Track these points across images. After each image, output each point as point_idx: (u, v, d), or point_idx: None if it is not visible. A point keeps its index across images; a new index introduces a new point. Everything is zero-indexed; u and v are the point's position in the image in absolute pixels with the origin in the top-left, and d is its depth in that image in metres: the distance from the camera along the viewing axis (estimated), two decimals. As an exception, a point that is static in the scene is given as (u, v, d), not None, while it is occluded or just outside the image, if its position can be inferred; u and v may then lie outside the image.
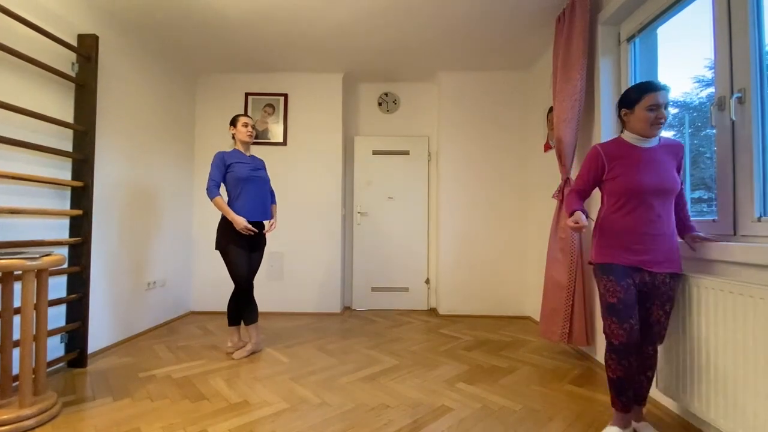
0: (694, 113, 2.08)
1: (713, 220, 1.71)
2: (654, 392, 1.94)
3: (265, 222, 2.80)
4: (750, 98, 1.53)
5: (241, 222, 2.47)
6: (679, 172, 1.59)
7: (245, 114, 2.90)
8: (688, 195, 2.09)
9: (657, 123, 1.53)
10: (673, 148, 1.60)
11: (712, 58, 1.71)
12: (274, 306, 3.86)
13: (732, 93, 1.60)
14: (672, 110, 2.21)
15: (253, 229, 2.52)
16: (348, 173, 4.18)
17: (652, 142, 1.58)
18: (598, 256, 1.64)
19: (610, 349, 1.58)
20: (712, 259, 1.58)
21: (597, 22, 2.43)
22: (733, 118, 1.59)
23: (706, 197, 1.98)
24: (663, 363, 1.74)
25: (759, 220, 1.52)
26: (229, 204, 2.57)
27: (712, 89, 1.79)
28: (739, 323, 1.38)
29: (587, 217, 1.68)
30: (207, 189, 2.51)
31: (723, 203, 1.66)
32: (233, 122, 2.66)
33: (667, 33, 2.18)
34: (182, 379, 2.25)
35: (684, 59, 2.10)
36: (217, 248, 2.58)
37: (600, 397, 2.02)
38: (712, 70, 1.74)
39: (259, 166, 2.70)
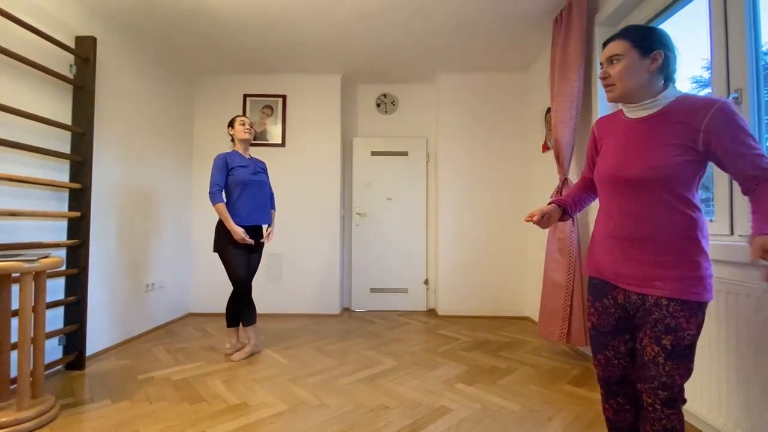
0: (691, 113, 2.08)
1: (710, 220, 1.72)
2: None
3: (264, 227, 2.79)
4: (747, 98, 1.54)
5: (239, 233, 2.46)
6: (706, 148, 1.05)
7: (241, 115, 2.92)
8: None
9: (604, 85, 1.18)
10: (689, 113, 1.07)
11: (709, 58, 1.71)
12: (272, 307, 3.85)
13: (729, 93, 1.61)
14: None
15: (250, 240, 2.51)
16: (347, 174, 4.18)
17: (652, 108, 1.13)
18: (585, 265, 1.35)
19: (598, 379, 1.31)
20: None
21: (594, 23, 2.44)
22: (730, 119, 1.60)
23: (704, 197, 1.99)
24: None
25: (756, 219, 1.52)
26: (227, 206, 2.57)
27: (709, 90, 1.80)
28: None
29: (566, 213, 1.36)
30: (210, 194, 2.48)
31: (720, 203, 1.66)
32: (231, 124, 2.67)
33: (664, 34, 2.19)
34: (181, 381, 2.24)
35: (681, 59, 2.10)
36: (215, 250, 2.57)
37: (599, 397, 2.02)
38: (709, 71, 1.75)
39: (259, 169, 2.69)
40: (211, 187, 2.49)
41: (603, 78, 1.17)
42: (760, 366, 1.35)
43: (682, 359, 1.07)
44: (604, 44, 1.19)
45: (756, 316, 1.37)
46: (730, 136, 1.03)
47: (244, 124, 2.65)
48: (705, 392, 1.57)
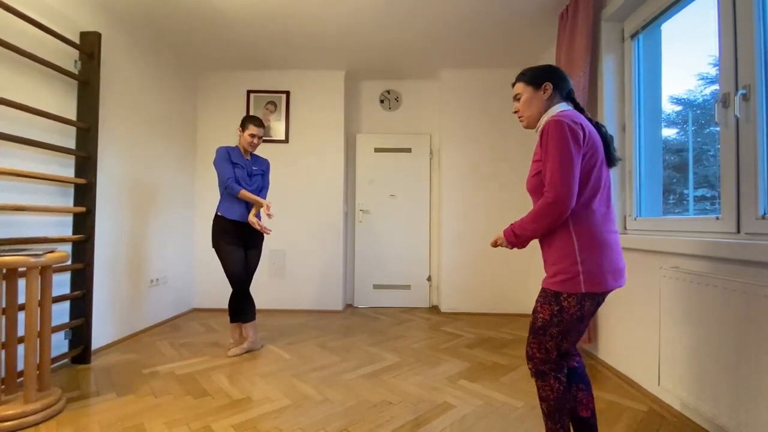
0: (697, 111, 2.07)
1: (716, 218, 1.70)
2: (657, 390, 1.94)
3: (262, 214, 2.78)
4: (755, 95, 1.52)
5: (262, 203, 2.54)
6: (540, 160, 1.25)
7: (258, 122, 2.64)
8: (691, 193, 2.08)
9: (517, 117, 1.42)
10: (540, 132, 1.27)
11: (717, 54, 1.70)
12: (275, 303, 3.87)
13: (737, 90, 1.59)
14: (675, 107, 2.20)
15: (264, 225, 2.55)
16: (350, 171, 4.17)
17: (539, 130, 1.30)
18: None
19: None
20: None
21: (600, 19, 2.42)
22: (738, 115, 1.58)
23: (709, 195, 1.98)
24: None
25: (763, 217, 1.51)
26: (219, 203, 2.59)
27: (716, 86, 1.78)
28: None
29: None
30: (228, 187, 2.50)
31: (726, 201, 1.65)
32: (243, 125, 2.63)
33: (671, 30, 2.17)
34: (185, 375, 2.26)
35: (688, 56, 2.09)
36: (213, 246, 2.60)
37: (601, 394, 2.02)
38: (717, 67, 1.73)
39: (255, 171, 2.68)
40: (225, 181, 2.51)
41: (515, 112, 1.42)
42: (762, 364, 1.34)
43: (535, 336, 1.30)
44: (513, 85, 1.43)
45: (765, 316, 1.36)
46: (545, 151, 1.22)
47: (253, 137, 2.61)
48: (707, 392, 1.56)
